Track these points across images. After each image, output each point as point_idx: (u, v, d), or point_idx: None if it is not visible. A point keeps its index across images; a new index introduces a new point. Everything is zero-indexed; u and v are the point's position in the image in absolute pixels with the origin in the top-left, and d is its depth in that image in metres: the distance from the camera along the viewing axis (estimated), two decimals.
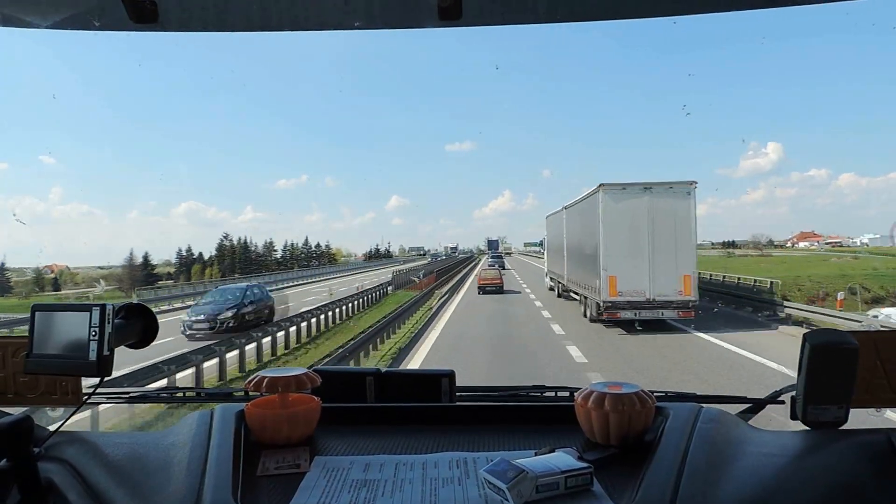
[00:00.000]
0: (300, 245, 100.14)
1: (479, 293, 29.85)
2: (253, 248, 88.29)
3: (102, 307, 0.99)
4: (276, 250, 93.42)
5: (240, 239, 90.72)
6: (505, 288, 30.83)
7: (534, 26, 1.11)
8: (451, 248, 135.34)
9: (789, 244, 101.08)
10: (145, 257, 72.96)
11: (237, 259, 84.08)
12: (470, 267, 63.69)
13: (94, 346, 0.97)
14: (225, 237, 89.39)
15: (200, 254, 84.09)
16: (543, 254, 31.04)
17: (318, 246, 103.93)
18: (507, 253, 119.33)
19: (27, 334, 1.05)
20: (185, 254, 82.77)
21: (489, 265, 40.30)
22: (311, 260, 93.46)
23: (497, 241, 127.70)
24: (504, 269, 46.28)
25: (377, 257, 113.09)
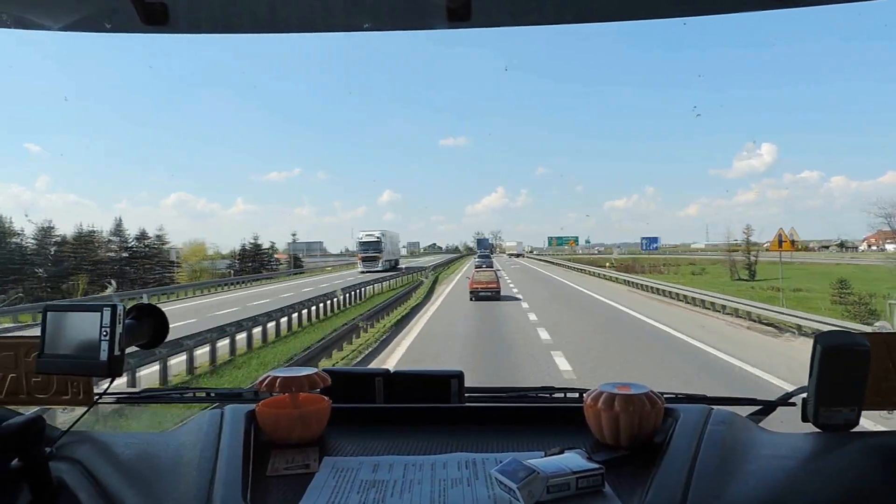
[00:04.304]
0: (105, 231, 43.73)
1: (471, 299, 23.28)
2: (17, 234, 37.12)
3: (113, 307, 0.99)
4: (52, 243, 39.93)
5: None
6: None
7: (534, 27, 1.11)
8: (366, 246, 50.91)
9: (864, 246, 77.88)
10: None
11: None
12: None
13: (105, 346, 0.98)
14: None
15: None
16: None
17: (141, 236, 45.06)
18: (518, 255, 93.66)
19: (39, 335, 1.06)
20: None
21: (476, 266, 36.01)
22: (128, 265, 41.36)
23: (487, 239, 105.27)
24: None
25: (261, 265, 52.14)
